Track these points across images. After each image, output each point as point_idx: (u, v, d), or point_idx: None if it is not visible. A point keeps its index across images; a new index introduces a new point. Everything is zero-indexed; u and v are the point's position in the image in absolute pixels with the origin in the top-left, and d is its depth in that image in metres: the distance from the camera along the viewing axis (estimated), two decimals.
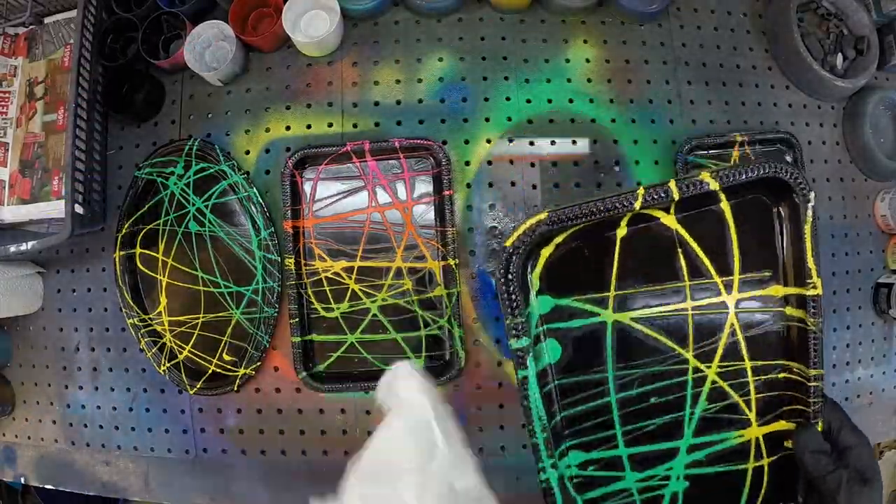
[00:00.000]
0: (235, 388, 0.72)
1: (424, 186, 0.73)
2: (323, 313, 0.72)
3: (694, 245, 0.44)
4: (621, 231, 0.44)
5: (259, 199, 0.73)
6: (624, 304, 0.45)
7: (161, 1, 0.76)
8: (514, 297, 0.42)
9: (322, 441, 0.73)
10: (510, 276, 0.42)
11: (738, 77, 0.80)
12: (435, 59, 0.76)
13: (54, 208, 0.77)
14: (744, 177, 0.41)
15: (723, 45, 0.80)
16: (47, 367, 0.80)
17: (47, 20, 0.83)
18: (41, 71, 0.81)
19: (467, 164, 0.73)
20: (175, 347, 0.74)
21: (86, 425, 0.78)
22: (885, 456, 1.17)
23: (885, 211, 0.82)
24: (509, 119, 0.75)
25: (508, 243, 0.42)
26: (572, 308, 0.45)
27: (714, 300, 0.45)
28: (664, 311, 0.45)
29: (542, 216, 0.41)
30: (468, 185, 0.73)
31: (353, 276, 0.72)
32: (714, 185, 0.41)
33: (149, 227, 0.76)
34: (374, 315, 0.72)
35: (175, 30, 0.78)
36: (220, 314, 0.74)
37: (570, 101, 0.76)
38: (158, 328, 0.75)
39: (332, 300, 0.72)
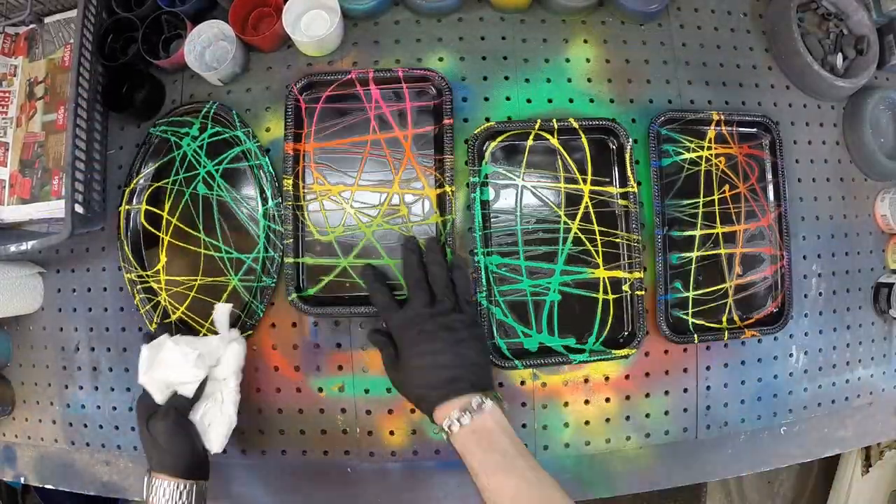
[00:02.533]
0: None
1: (425, 116, 0.74)
2: (317, 236, 0.73)
3: (566, 156, 0.73)
4: (529, 142, 0.73)
5: (270, 168, 0.73)
6: (528, 177, 0.74)
7: (161, 1, 0.76)
8: (474, 160, 0.71)
9: (322, 441, 0.73)
10: (474, 148, 0.71)
11: (738, 77, 0.80)
12: (435, 59, 0.76)
13: (54, 208, 0.77)
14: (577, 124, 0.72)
15: (723, 45, 0.80)
16: (47, 367, 0.80)
17: (47, 20, 0.83)
18: (41, 70, 0.81)
19: (468, 163, 0.73)
20: (169, 307, 0.74)
21: (86, 425, 0.78)
22: (886, 456, 1.17)
23: (885, 211, 0.82)
24: (509, 119, 0.75)
25: (477, 131, 0.72)
26: (501, 173, 0.73)
27: (577, 186, 0.73)
28: (548, 185, 0.74)
29: (491, 124, 0.72)
30: (468, 185, 0.73)
31: (350, 201, 0.73)
32: (575, 125, 0.72)
33: (157, 184, 0.76)
34: (368, 240, 0.72)
35: (175, 29, 0.78)
36: (218, 279, 0.74)
37: (571, 100, 0.76)
38: (155, 286, 0.75)
39: (327, 223, 0.73)
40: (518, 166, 0.73)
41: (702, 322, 0.74)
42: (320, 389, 0.73)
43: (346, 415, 0.73)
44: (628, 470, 0.74)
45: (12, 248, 0.70)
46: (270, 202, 0.72)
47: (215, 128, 0.74)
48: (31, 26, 0.83)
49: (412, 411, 0.72)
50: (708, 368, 0.75)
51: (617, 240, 0.72)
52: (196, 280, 0.74)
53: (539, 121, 0.72)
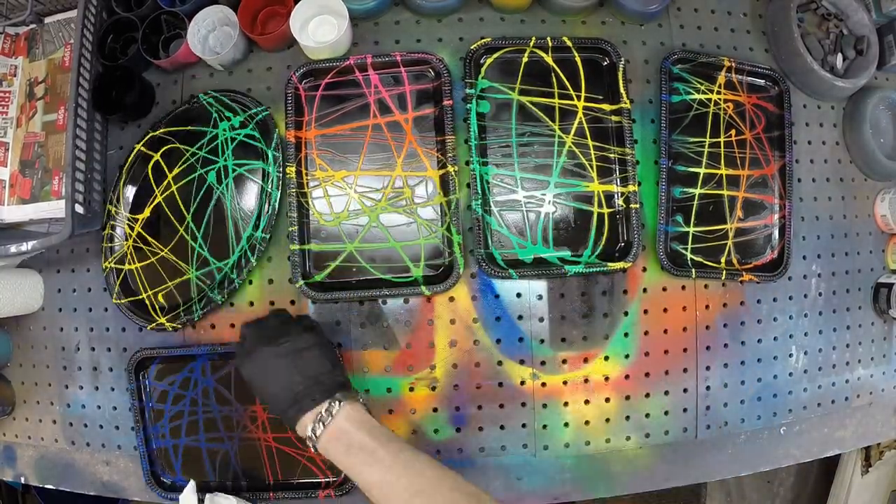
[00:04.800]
0: (149, 328, 0.74)
1: (424, 98, 0.74)
2: (323, 223, 0.73)
3: (560, 73, 0.75)
4: (525, 58, 0.75)
5: (276, 202, 0.73)
6: (524, 92, 0.75)
7: (161, 0, 0.76)
8: (471, 74, 0.73)
9: None
10: (470, 62, 0.73)
11: None
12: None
13: (54, 208, 0.77)
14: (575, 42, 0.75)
15: (723, 46, 0.80)
16: (47, 367, 0.80)
17: (47, 20, 0.83)
18: (41, 71, 0.81)
19: (468, 163, 0.73)
20: (128, 256, 0.75)
21: (86, 425, 0.78)
22: (885, 456, 1.17)
23: (885, 211, 0.82)
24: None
25: (474, 46, 0.74)
26: (497, 87, 0.74)
27: (571, 102, 0.74)
28: (543, 101, 0.74)
29: (487, 40, 0.74)
30: (468, 185, 0.73)
31: (354, 186, 0.73)
32: (568, 43, 0.75)
33: (179, 145, 0.76)
34: (374, 224, 0.73)
35: (175, 29, 0.78)
36: (180, 262, 0.74)
37: None
38: (127, 230, 0.76)
39: (332, 209, 0.73)
40: (514, 81, 0.74)
41: (700, 259, 0.75)
42: None
43: None
44: (628, 470, 0.74)
45: (12, 248, 0.70)
46: (259, 232, 0.72)
47: (255, 131, 0.75)
48: (32, 26, 0.83)
49: (412, 412, 0.73)
50: (708, 368, 0.75)
51: (610, 154, 0.73)
52: (162, 251, 0.75)
53: (534, 38, 0.74)
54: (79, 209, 0.70)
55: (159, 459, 0.75)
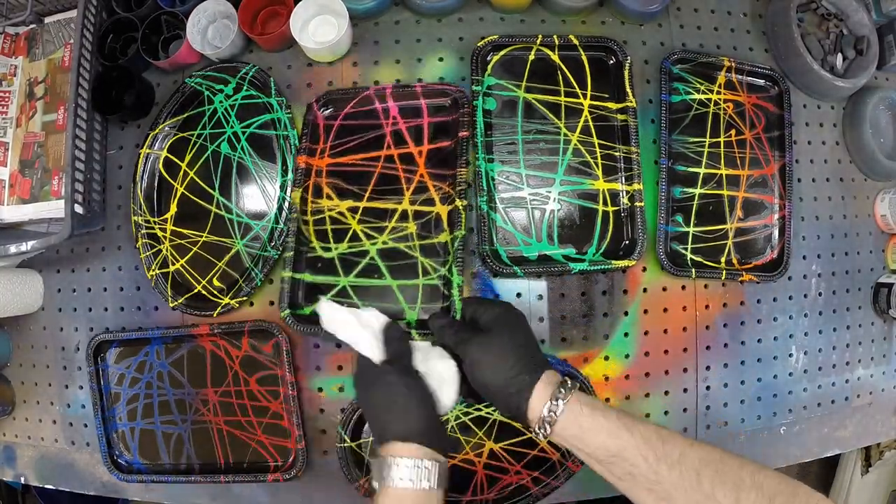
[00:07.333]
0: (214, 315, 0.72)
1: (441, 131, 0.74)
2: (320, 252, 0.72)
3: (567, 71, 0.75)
4: (531, 55, 0.75)
5: (296, 141, 0.73)
6: (529, 90, 0.75)
7: (161, 1, 0.76)
8: (477, 71, 0.73)
9: (322, 441, 0.73)
10: (477, 59, 0.73)
11: None
12: (435, 59, 0.76)
13: (54, 208, 0.77)
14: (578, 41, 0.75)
15: (723, 46, 0.80)
16: (47, 367, 0.80)
17: (47, 20, 0.83)
18: (41, 70, 0.81)
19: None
20: (170, 257, 0.75)
21: (86, 425, 0.78)
22: (885, 456, 1.17)
23: (885, 211, 0.82)
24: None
25: (480, 43, 0.74)
26: (504, 85, 0.75)
27: (577, 100, 0.75)
28: (549, 98, 0.75)
29: (494, 37, 0.74)
30: (468, 185, 0.73)
31: (357, 216, 0.72)
32: (575, 41, 0.75)
33: (182, 134, 0.76)
34: (372, 259, 0.71)
35: (175, 30, 0.78)
36: (224, 239, 0.74)
37: None
38: (160, 233, 0.75)
39: (331, 240, 0.72)
40: (520, 79, 0.74)
41: (700, 259, 0.75)
42: (320, 389, 0.73)
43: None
44: None
45: (12, 249, 0.70)
46: (290, 175, 0.73)
47: (250, 90, 0.75)
48: (32, 26, 0.83)
49: None
50: (708, 368, 0.75)
51: (615, 153, 0.73)
52: (202, 236, 0.74)
53: (541, 36, 0.74)
54: (78, 209, 0.70)
55: (117, 442, 0.76)
